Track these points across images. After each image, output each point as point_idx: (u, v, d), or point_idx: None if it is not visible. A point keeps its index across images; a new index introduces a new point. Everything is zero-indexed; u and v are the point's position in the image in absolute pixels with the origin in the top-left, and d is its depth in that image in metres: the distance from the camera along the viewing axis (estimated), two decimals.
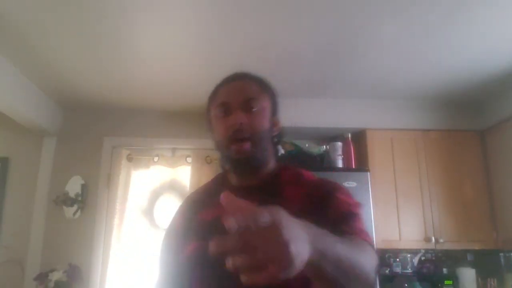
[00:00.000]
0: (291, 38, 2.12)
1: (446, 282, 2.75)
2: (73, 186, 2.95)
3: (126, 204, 2.98)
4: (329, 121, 2.92)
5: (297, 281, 0.53)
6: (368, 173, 2.57)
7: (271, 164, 0.93)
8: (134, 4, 1.80)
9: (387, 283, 2.71)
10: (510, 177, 2.66)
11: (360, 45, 2.19)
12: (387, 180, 2.77)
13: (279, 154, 0.95)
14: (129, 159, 3.09)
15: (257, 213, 0.45)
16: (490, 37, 2.08)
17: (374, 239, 2.38)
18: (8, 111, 2.56)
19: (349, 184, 2.46)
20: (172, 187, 3.03)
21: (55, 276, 2.65)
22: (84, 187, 2.96)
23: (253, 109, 0.87)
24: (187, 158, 3.07)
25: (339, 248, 0.58)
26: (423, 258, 2.91)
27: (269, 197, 0.83)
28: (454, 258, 2.90)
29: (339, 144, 2.74)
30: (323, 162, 2.71)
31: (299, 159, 2.65)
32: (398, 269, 2.80)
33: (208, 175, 2.85)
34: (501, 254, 2.77)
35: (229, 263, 0.45)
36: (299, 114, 2.91)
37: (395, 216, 2.72)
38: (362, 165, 2.77)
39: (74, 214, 2.91)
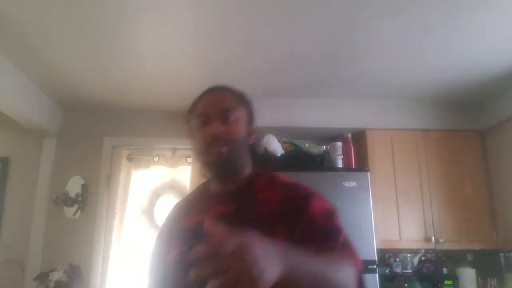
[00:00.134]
0: (291, 38, 2.12)
1: (446, 282, 2.74)
2: (73, 186, 2.96)
3: (126, 204, 2.99)
4: (329, 121, 2.92)
5: None
6: (368, 173, 2.57)
7: (247, 171, 0.98)
8: (134, 4, 1.80)
9: (387, 283, 2.70)
10: (510, 177, 2.66)
11: (360, 45, 2.19)
12: (387, 180, 2.77)
13: (258, 161, 1.02)
14: (129, 159, 3.09)
15: (228, 237, 0.54)
16: (490, 37, 2.08)
17: (374, 239, 2.38)
18: (8, 111, 2.56)
19: (349, 184, 2.46)
20: (172, 187, 3.03)
21: (55, 276, 2.65)
22: (84, 187, 2.97)
23: (230, 119, 0.93)
24: (187, 158, 3.08)
25: (313, 265, 0.64)
26: (423, 258, 2.91)
27: (246, 202, 0.90)
28: (454, 258, 2.90)
29: (339, 144, 2.74)
30: (323, 162, 2.71)
31: (299, 159, 2.65)
32: (398, 269, 2.80)
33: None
34: (501, 254, 2.77)
35: (192, 276, 0.52)
36: (299, 114, 2.91)
37: (395, 216, 2.72)
38: (362, 165, 2.77)
39: (74, 214, 2.91)
